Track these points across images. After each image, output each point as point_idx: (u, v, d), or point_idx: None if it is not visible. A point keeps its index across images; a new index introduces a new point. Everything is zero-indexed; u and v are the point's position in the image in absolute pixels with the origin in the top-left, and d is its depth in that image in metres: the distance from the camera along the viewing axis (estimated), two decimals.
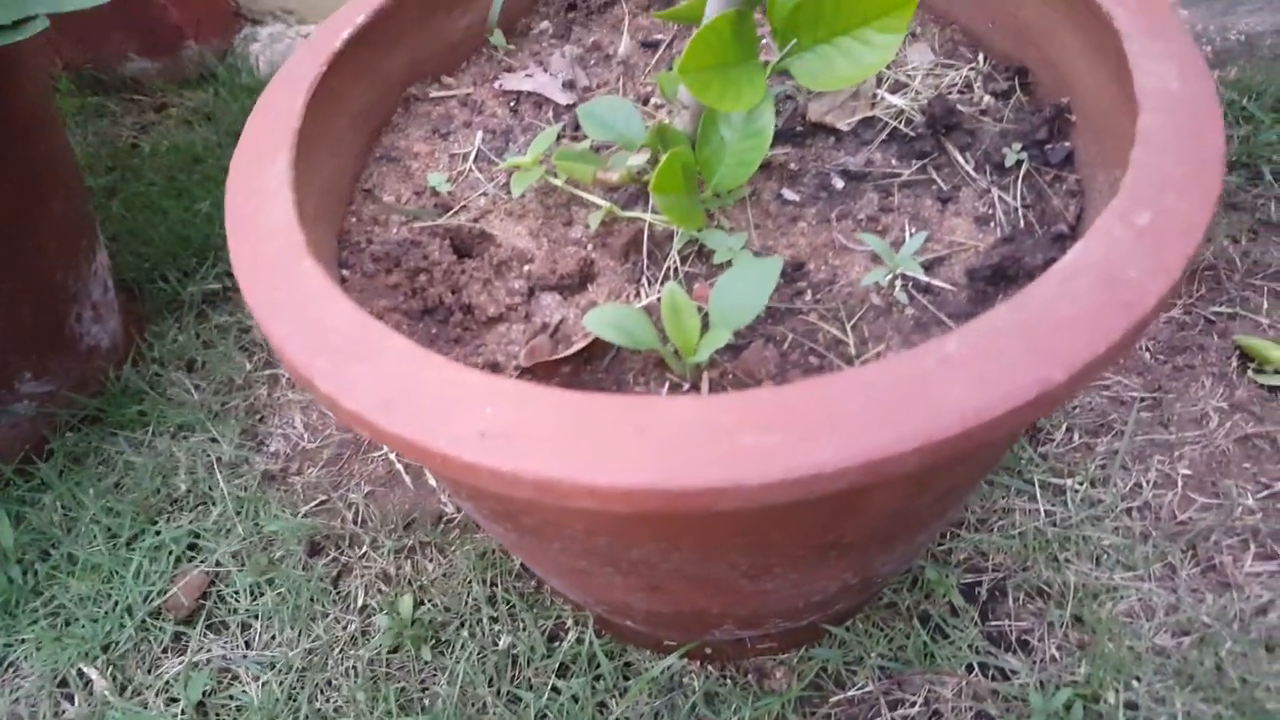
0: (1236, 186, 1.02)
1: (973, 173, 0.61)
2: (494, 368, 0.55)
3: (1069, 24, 0.60)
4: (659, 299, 0.55)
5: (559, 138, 0.68)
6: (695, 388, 0.54)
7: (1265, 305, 0.92)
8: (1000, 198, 0.60)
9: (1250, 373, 0.87)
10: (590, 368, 0.56)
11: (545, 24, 0.77)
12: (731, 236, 0.60)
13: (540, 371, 0.55)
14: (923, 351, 0.39)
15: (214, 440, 0.98)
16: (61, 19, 1.30)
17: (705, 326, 0.52)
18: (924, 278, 0.56)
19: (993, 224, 0.59)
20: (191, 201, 1.24)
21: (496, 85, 0.73)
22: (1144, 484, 0.81)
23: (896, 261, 0.54)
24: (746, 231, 0.61)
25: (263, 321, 0.47)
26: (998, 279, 0.54)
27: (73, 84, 1.51)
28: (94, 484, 0.96)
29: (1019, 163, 0.61)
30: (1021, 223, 0.58)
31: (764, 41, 0.66)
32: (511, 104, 0.72)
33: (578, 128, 0.70)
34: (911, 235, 0.59)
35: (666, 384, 0.54)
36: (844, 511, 0.49)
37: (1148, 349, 0.91)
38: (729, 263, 0.59)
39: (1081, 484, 0.81)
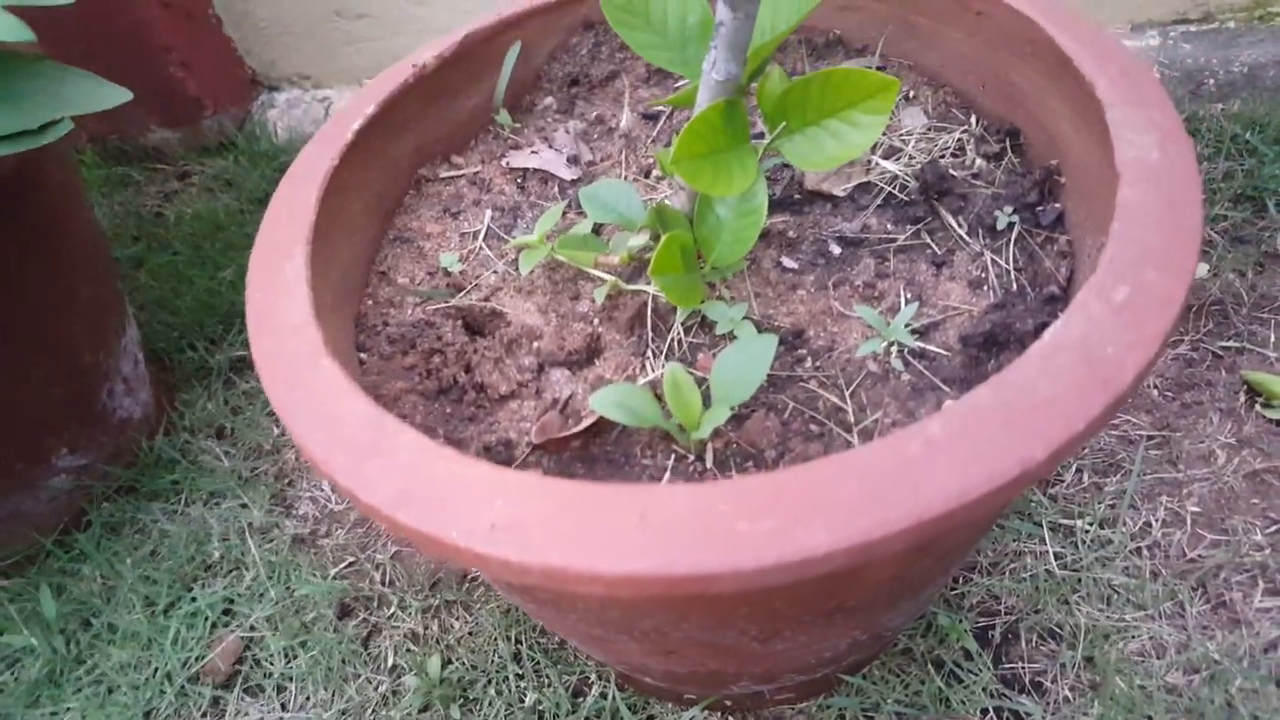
0: (1243, 220, 1.03)
1: (966, 236, 0.63)
2: (507, 445, 0.58)
3: (1055, 90, 0.62)
4: (664, 373, 0.58)
5: (564, 213, 0.71)
6: (700, 459, 0.56)
7: (1272, 339, 0.93)
8: (993, 261, 0.62)
9: (1258, 407, 0.88)
10: (599, 441, 0.58)
11: (549, 99, 0.80)
12: (732, 308, 0.62)
13: (551, 448, 0.57)
14: (908, 434, 0.41)
15: (244, 506, 1.01)
16: None
17: (708, 399, 0.55)
18: (918, 344, 0.58)
19: (985, 287, 0.61)
20: (216, 269, 1.28)
21: (504, 163, 0.76)
22: (1153, 522, 0.81)
23: (889, 333, 0.56)
24: (747, 301, 0.63)
25: (284, 417, 0.49)
26: (990, 345, 0.56)
27: (98, 155, 1.57)
28: (131, 553, 0.99)
29: (1011, 225, 0.62)
30: (1014, 285, 0.60)
31: (755, 123, 0.69)
32: (519, 180, 0.75)
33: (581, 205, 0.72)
34: (907, 301, 0.61)
35: (672, 456, 0.56)
36: (843, 583, 0.50)
37: (1155, 386, 0.92)
38: (731, 333, 0.61)
39: (1091, 524, 0.82)
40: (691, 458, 0.56)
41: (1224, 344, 0.93)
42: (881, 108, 0.53)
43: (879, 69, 0.74)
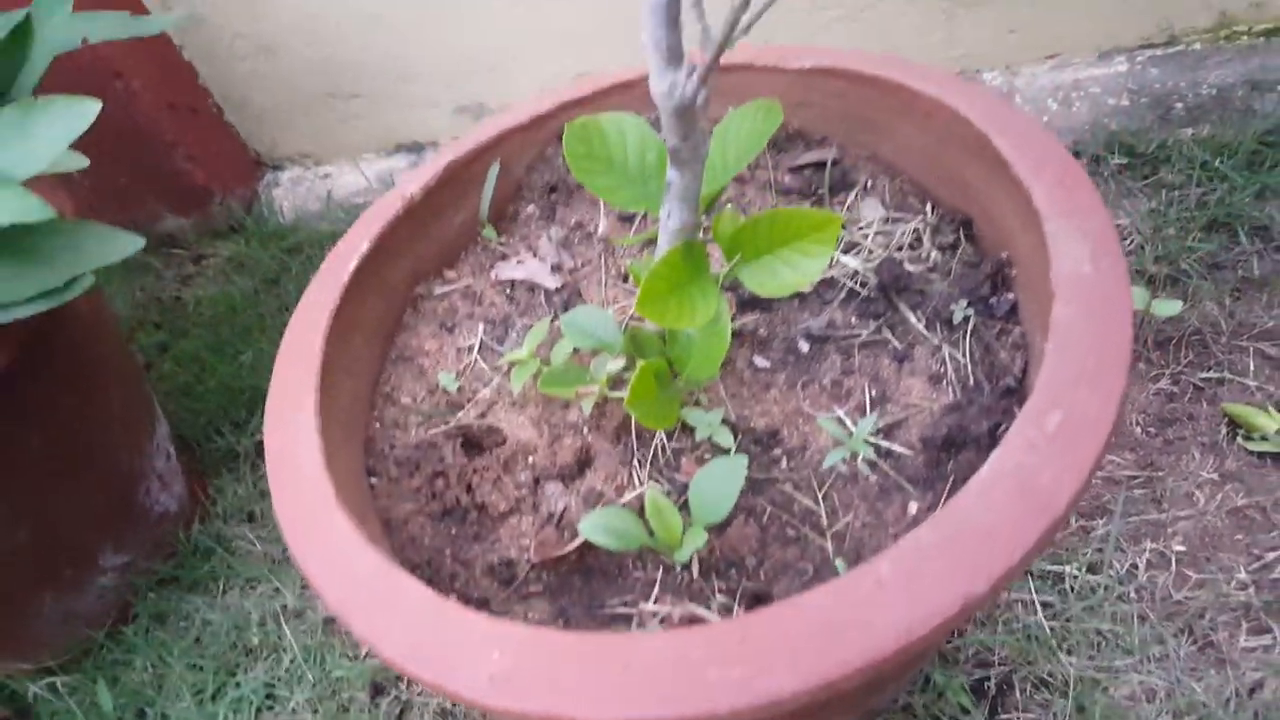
0: (1219, 246, 1.05)
1: (925, 331, 0.67)
2: (509, 565, 0.62)
3: (1001, 189, 0.66)
4: (645, 495, 0.62)
5: (552, 321, 0.76)
6: (687, 569, 0.60)
7: (1252, 367, 0.96)
8: (951, 355, 0.65)
9: (1240, 440, 0.91)
10: (594, 553, 0.63)
11: (531, 207, 0.85)
12: (709, 413, 0.66)
13: (550, 565, 0.62)
14: (860, 575, 0.45)
15: (278, 590, 1.07)
16: (99, 189, 1.43)
17: (689, 510, 0.59)
18: (884, 443, 0.62)
19: (944, 383, 0.64)
20: (235, 354, 1.34)
21: (493, 275, 0.80)
22: (1139, 564, 0.85)
23: (853, 444, 0.60)
24: (723, 405, 0.67)
25: (304, 569, 0.54)
26: (948, 446, 0.60)
27: None
28: (177, 642, 1.05)
29: (966, 318, 0.66)
30: (971, 380, 0.64)
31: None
32: (508, 291, 0.80)
33: (567, 311, 0.77)
34: (871, 399, 0.65)
35: (661, 567, 0.61)
36: (816, 706, 0.55)
37: (1138, 424, 0.95)
38: (710, 437, 0.66)
39: (1079, 570, 0.85)
40: (679, 568, 0.60)
41: (1204, 375, 0.96)
42: (827, 239, 0.57)
43: (836, 161, 0.78)
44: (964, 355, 0.65)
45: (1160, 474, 0.90)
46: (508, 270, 0.80)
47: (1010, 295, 0.67)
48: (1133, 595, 0.83)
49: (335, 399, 0.67)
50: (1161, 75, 1.19)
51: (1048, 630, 0.82)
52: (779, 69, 0.76)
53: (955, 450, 0.60)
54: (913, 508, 0.59)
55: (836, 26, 1.23)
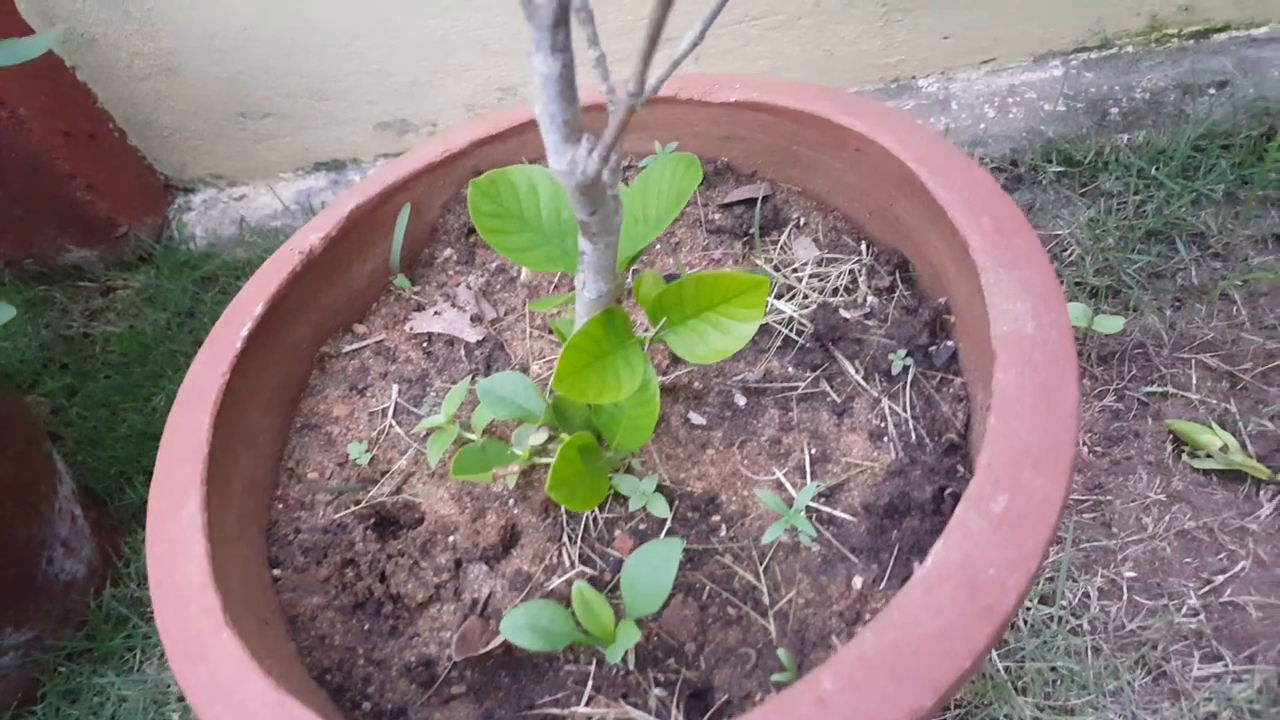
0: (1158, 255, 1.04)
1: (863, 382, 0.64)
2: (428, 664, 0.57)
3: (935, 231, 0.62)
4: (579, 571, 0.58)
5: (472, 379, 0.71)
6: (623, 659, 0.56)
7: (1194, 380, 0.94)
8: (891, 409, 0.62)
9: (1185, 457, 0.89)
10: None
11: (449, 250, 0.79)
12: (643, 480, 0.62)
13: (473, 661, 0.57)
14: (801, 692, 0.42)
15: None
16: None
17: (623, 594, 0.55)
18: (825, 509, 0.58)
19: (886, 439, 0.61)
20: (147, 396, 1.26)
21: (408, 328, 0.75)
22: (1091, 594, 0.83)
23: (792, 517, 0.56)
24: (656, 470, 0.63)
25: (189, 697, 0.49)
26: (892, 513, 0.56)
27: (16, 278, 1.54)
28: None
29: (906, 368, 0.63)
30: (912, 435, 0.60)
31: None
32: (424, 345, 0.74)
33: (489, 367, 0.72)
34: (811, 455, 0.61)
35: (595, 660, 0.56)
36: None
37: (1085, 443, 0.93)
38: (645, 507, 0.61)
39: (1031, 601, 0.83)
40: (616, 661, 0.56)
41: (1149, 389, 0.95)
42: (756, 302, 0.53)
43: (768, 197, 0.74)
44: (904, 409, 0.62)
45: (1108, 497, 0.88)
46: (424, 322, 0.75)
47: (950, 343, 0.63)
48: (1086, 627, 0.81)
49: (230, 481, 0.62)
50: (1096, 79, 1.17)
51: (1002, 670, 0.80)
52: (704, 102, 0.72)
53: (899, 517, 0.56)
54: (857, 582, 0.55)
55: (772, 35, 1.19)
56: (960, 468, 0.58)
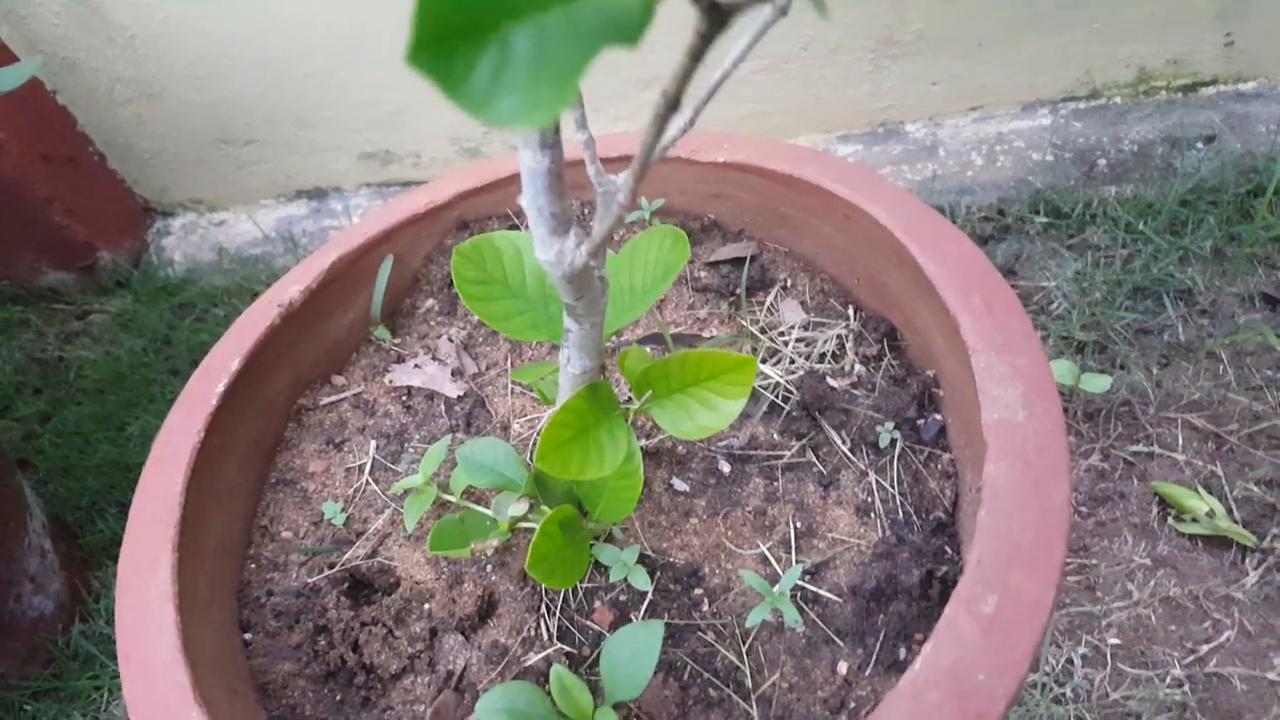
0: (1145, 312, 1.04)
1: (850, 454, 0.63)
2: None
3: (925, 306, 0.61)
4: (558, 648, 0.57)
5: (453, 437, 0.69)
6: None
7: (1180, 440, 0.94)
8: (878, 483, 0.61)
9: (1171, 521, 0.89)
10: None
11: (430, 301, 0.78)
12: (624, 550, 0.60)
13: None
14: None
15: None
16: None
17: (601, 674, 0.53)
18: (811, 588, 0.57)
19: (872, 515, 0.60)
20: (121, 426, 1.24)
21: (387, 380, 0.73)
22: (1075, 661, 0.82)
23: (775, 599, 0.55)
24: (639, 539, 0.62)
25: None
26: (878, 597, 0.55)
27: None
28: None
29: (893, 441, 0.62)
30: (900, 513, 0.60)
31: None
32: (404, 399, 0.73)
33: (469, 424, 0.71)
34: (797, 528, 0.60)
35: None
36: None
37: (1071, 503, 0.92)
38: (626, 578, 0.60)
39: None
40: None
41: (1135, 449, 0.94)
42: (743, 380, 0.52)
43: (755, 256, 0.73)
44: (892, 484, 0.61)
45: (1093, 560, 0.87)
46: (404, 375, 0.73)
47: (938, 417, 0.62)
48: (1069, 695, 0.80)
49: (202, 544, 0.60)
50: (1085, 129, 1.17)
51: None
52: (692, 161, 0.71)
53: (886, 601, 0.55)
54: (842, 668, 0.54)
55: (758, 78, 1.19)
56: (948, 549, 0.57)
